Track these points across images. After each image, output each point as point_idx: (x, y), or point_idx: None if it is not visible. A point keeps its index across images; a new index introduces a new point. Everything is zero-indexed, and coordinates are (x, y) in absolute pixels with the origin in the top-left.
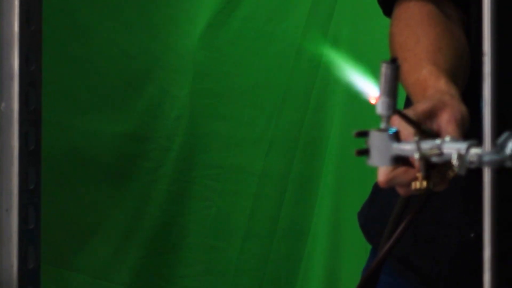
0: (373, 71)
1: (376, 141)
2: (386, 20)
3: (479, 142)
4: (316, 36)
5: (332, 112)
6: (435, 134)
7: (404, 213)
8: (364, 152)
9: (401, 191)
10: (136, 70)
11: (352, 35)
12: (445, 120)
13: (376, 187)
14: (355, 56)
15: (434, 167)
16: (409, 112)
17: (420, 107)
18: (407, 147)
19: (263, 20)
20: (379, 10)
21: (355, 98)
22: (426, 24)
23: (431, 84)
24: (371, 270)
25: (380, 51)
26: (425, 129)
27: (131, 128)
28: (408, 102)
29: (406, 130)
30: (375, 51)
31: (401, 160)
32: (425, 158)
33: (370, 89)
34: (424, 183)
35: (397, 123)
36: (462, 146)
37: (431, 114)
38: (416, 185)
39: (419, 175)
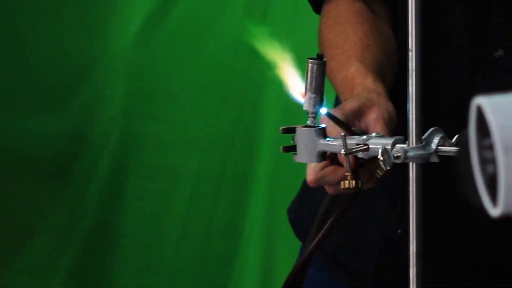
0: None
1: (303, 137)
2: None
3: (406, 139)
4: (251, 35)
5: (268, 112)
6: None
7: (331, 210)
8: (291, 149)
9: (329, 190)
10: (72, 71)
11: (288, 32)
12: (373, 119)
13: (306, 183)
14: (290, 53)
15: (363, 166)
16: (337, 111)
17: (347, 105)
18: (334, 143)
19: (199, 20)
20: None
21: (290, 97)
22: (355, 22)
23: (358, 81)
24: (297, 266)
25: (314, 49)
26: (355, 131)
27: (67, 128)
28: (338, 101)
29: (335, 129)
30: (311, 46)
31: (329, 158)
32: (351, 154)
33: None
34: (353, 182)
35: (326, 123)
36: (388, 141)
37: (359, 112)
38: (345, 184)
39: (348, 174)
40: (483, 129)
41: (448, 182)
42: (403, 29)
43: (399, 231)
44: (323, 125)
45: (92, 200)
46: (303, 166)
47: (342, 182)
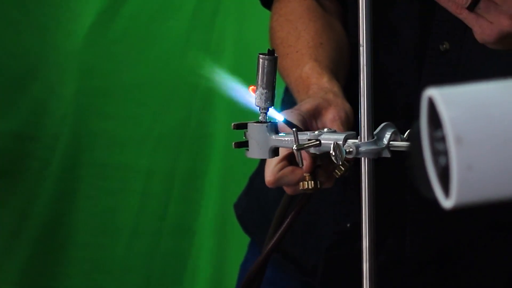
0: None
1: (255, 133)
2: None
3: (357, 134)
4: (201, 34)
5: (218, 110)
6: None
7: (289, 209)
8: (243, 145)
9: (288, 190)
10: (22, 69)
11: (237, 32)
12: (330, 119)
13: (252, 178)
14: (240, 52)
15: (320, 167)
16: (294, 112)
17: (304, 106)
18: (286, 138)
19: (149, 18)
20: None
21: (239, 96)
22: (306, 19)
23: (313, 81)
24: (255, 266)
25: (265, 48)
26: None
27: (17, 127)
28: (287, 92)
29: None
30: (260, 47)
31: (287, 159)
32: (303, 149)
33: (251, 85)
34: (312, 183)
35: (283, 126)
36: (339, 137)
37: (316, 113)
38: (304, 185)
39: (307, 175)
40: (435, 120)
41: (396, 177)
42: (353, 25)
43: (348, 225)
44: (275, 120)
45: (43, 199)
46: (254, 163)
47: (301, 183)
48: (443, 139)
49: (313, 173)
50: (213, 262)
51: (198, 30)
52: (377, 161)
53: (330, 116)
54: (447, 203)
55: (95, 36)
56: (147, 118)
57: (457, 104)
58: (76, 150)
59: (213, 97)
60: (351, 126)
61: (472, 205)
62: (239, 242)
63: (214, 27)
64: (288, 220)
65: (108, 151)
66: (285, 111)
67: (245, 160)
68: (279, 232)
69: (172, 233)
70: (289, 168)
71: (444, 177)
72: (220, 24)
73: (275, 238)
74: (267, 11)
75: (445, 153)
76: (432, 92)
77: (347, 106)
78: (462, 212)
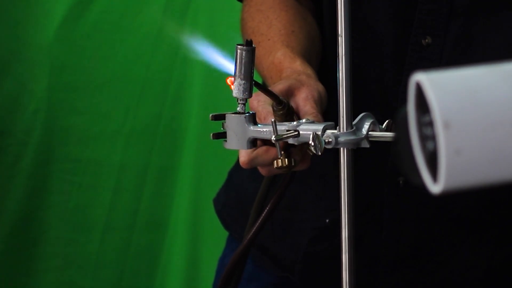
0: (231, 59)
1: (233, 124)
2: None
3: (336, 125)
4: (173, 28)
5: (190, 104)
6: (292, 108)
7: (267, 199)
8: (221, 136)
9: (263, 171)
10: None
11: (209, 26)
12: (302, 99)
13: (231, 173)
14: (213, 46)
15: (294, 145)
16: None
17: (277, 87)
18: (264, 129)
19: (120, 13)
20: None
21: (213, 90)
22: (278, 9)
23: (286, 65)
24: (236, 255)
25: (237, 40)
26: (282, 100)
27: None
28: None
29: (265, 109)
30: (232, 39)
31: (261, 139)
32: (282, 141)
33: (229, 77)
34: (286, 161)
35: (256, 104)
36: (318, 127)
37: (288, 93)
38: (278, 163)
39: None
40: (422, 105)
41: (374, 173)
42: (329, 19)
43: (327, 220)
44: (253, 112)
45: (15, 195)
46: (227, 158)
47: (274, 161)
48: (430, 124)
49: (287, 151)
50: (187, 256)
51: (170, 24)
52: (355, 158)
53: (302, 95)
54: (435, 188)
55: (66, 31)
56: (119, 113)
57: (445, 88)
58: (48, 146)
59: (186, 91)
60: (324, 106)
61: (459, 190)
62: (213, 236)
63: (185, 22)
64: (267, 208)
65: (80, 146)
66: (257, 93)
67: (218, 154)
68: (259, 220)
69: (145, 228)
70: (263, 148)
71: (432, 162)
72: (192, 18)
73: (255, 227)
74: (238, 5)
75: (433, 138)
76: (420, 77)
77: (320, 86)
78: (438, 210)
